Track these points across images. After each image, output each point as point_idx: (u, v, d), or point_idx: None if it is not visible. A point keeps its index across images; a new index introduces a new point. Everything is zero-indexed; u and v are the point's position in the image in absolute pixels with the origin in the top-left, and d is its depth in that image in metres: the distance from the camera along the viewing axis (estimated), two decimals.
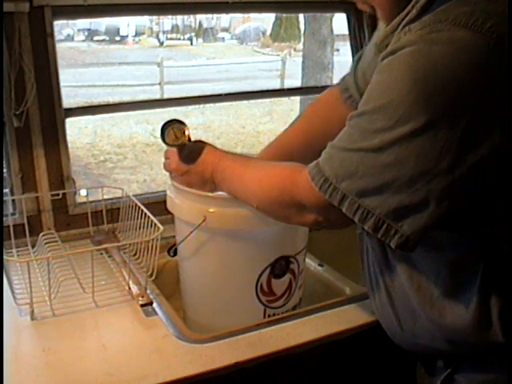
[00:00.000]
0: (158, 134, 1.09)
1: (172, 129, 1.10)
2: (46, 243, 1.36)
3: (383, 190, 0.77)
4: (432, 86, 0.73)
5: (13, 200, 1.43)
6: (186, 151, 1.10)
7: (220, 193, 1.24)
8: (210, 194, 1.21)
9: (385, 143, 0.76)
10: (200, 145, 1.10)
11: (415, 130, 0.74)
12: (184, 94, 2.10)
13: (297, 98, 5.43)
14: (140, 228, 1.32)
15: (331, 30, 5.78)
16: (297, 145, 1.22)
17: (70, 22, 13.87)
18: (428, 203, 0.76)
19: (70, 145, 1.48)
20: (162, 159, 1.17)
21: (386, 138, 0.76)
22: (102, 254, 1.37)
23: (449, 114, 0.73)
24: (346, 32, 1.87)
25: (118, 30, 15.35)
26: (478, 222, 0.84)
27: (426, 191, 0.76)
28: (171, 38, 16.18)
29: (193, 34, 16.36)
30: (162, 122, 1.09)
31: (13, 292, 1.17)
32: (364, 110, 0.80)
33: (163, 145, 1.10)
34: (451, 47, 0.73)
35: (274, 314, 1.19)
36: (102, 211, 1.49)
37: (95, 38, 15.15)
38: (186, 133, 1.10)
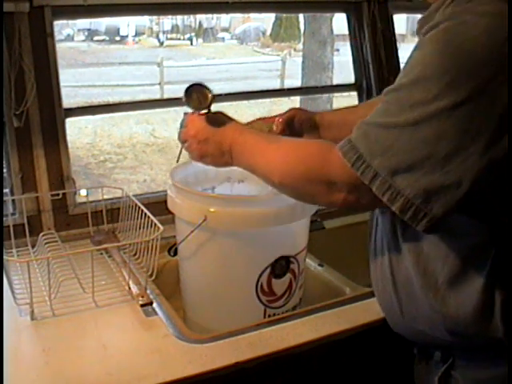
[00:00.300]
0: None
1: (196, 93, 1.07)
2: (45, 243, 1.36)
3: (416, 168, 0.76)
4: (475, 59, 0.72)
5: (13, 200, 1.43)
6: (207, 119, 1.07)
7: (221, 192, 1.24)
8: (211, 194, 1.21)
9: (423, 117, 0.74)
10: (221, 115, 1.08)
11: (455, 104, 0.72)
12: None
13: (297, 98, 5.42)
14: (140, 228, 1.32)
15: (331, 30, 5.78)
16: (354, 118, 1.21)
17: (70, 21, 13.86)
18: (460, 184, 0.74)
19: (70, 145, 1.48)
20: (176, 134, 1.12)
21: (425, 111, 0.74)
22: (101, 254, 1.37)
23: (491, 89, 0.72)
24: (346, 32, 1.87)
25: (118, 30, 15.34)
26: (498, 208, 0.82)
27: (460, 171, 0.74)
28: (171, 38, 16.16)
29: (193, 34, 16.35)
30: (187, 85, 1.07)
31: (13, 292, 1.17)
32: (402, 83, 0.78)
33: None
34: (496, 20, 0.72)
35: (274, 314, 1.19)
36: (102, 211, 1.49)
37: (95, 38, 15.14)
38: (210, 98, 1.08)
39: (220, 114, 1.09)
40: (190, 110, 1.09)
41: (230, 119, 1.07)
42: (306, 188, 0.91)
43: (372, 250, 1.02)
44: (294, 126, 1.18)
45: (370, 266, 1.03)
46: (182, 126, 1.10)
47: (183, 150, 1.11)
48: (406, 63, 0.81)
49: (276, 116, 1.19)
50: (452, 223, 0.83)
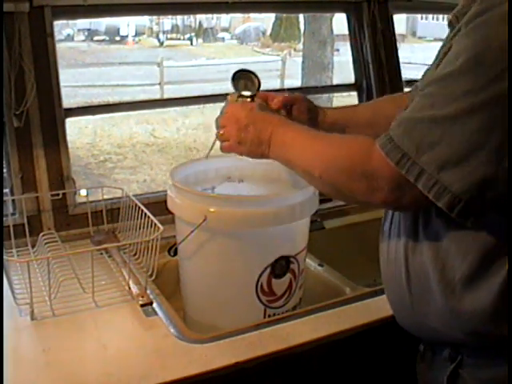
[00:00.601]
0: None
1: (243, 79, 1.07)
2: (45, 243, 1.36)
3: (467, 161, 0.73)
4: None
5: (13, 200, 1.43)
6: (250, 105, 1.06)
7: (221, 192, 1.25)
8: (211, 194, 1.21)
9: (475, 106, 0.72)
10: (264, 104, 1.07)
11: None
12: (184, 94, 2.10)
13: None
14: (140, 228, 1.32)
15: (331, 30, 5.79)
16: (356, 120, 1.20)
17: (70, 21, 13.86)
18: None
19: (70, 145, 1.48)
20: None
21: (478, 99, 0.72)
22: (101, 254, 1.37)
23: None
24: (346, 32, 1.87)
25: (118, 30, 15.33)
26: None
27: None
28: (171, 38, 16.16)
29: (193, 34, 16.34)
30: (234, 70, 1.07)
31: (13, 292, 1.17)
32: (447, 73, 0.76)
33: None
34: None
35: (274, 314, 1.19)
36: (102, 211, 1.49)
37: (95, 38, 15.13)
38: (257, 84, 1.07)
39: (263, 104, 1.07)
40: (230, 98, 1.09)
41: (273, 111, 1.05)
42: (347, 184, 0.89)
43: (385, 244, 1.00)
44: (292, 111, 1.16)
45: (380, 259, 1.02)
46: (222, 112, 1.09)
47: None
48: (452, 51, 0.77)
49: (278, 94, 1.16)
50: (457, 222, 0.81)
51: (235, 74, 1.07)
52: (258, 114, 1.04)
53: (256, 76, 1.09)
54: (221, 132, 1.08)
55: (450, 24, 0.86)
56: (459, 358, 0.91)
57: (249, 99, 1.09)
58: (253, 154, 1.04)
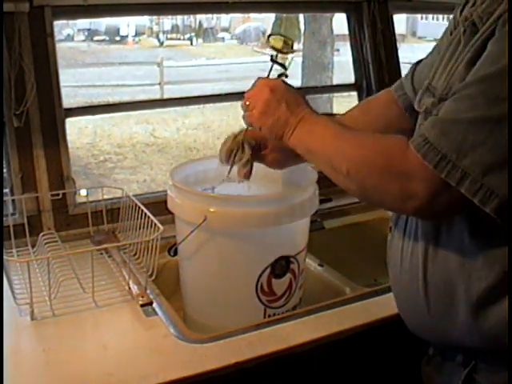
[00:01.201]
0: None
1: (279, 38, 1.06)
2: (46, 243, 1.36)
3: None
4: None
5: (13, 200, 1.43)
6: (288, 85, 1.01)
7: (221, 192, 1.24)
8: (211, 194, 1.21)
9: None
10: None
11: None
12: (184, 94, 2.10)
13: None
14: (140, 228, 1.32)
15: (331, 30, 5.78)
16: None
17: (70, 21, 13.86)
18: None
19: (70, 145, 1.48)
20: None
21: None
22: (102, 254, 1.36)
23: None
24: (346, 32, 1.87)
25: (118, 29, 15.33)
26: None
27: None
28: (171, 38, 16.16)
29: (193, 34, 16.34)
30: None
31: (13, 292, 1.17)
32: (488, 75, 0.74)
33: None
34: None
35: (274, 314, 1.19)
36: (102, 211, 1.49)
37: (95, 38, 15.13)
38: (291, 43, 1.06)
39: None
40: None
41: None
42: (378, 183, 0.83)
43: (397, 250, 0.96)
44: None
45: (390, 266, 0.99)
46: (256, 84, 1.05)
47: None
48: (488, 53, 0.76)
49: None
50: (504, 227, 0.79)
51: (269, 36, 1.07)
52: (296, 95, 0.99)
53: (289, 38, 1.07)
54: (246, 102, 1.02)
55: (471, 24, 0.83)
56: (473, 362, 0.90)
57: (287, 57, 1.07)
58: (273, 131, 0.98)
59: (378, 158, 0.83)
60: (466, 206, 0.76)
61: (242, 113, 1.06)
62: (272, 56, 1.07)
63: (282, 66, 1.09)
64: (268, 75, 1.07)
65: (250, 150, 1.10)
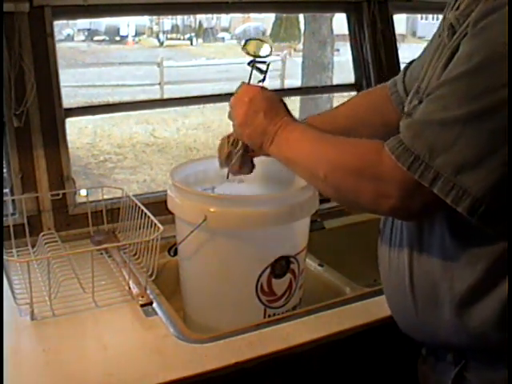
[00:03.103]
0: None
1: (254, 45, 1.09)
2: (45, 243, 1.36)
3: (485, 163, 0.71)
4: None
5: (13, 200, 1.43)
6: (267, 93, 1.03)
7: (221, 192, 1.25)
8: (211, 194, 1.21)
9: (493, 105, 0.70)
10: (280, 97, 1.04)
11: None
12: (184, 94, 2.10)
13: (297, 98, 5.43)
14: (140, 228, 1.32)
15: (331, 30, 5.78)
16: (336, 127, 1.17)
17: (70, 21, 13.86)
18: None
19: (70, 145, 1.48)
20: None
21: (495, 98, 0.70)
22: (102, 254, 1.36)
23: None
24: (346, 32, 1.87)
25: (118, 29, 15.34)
26: None
27: None
28: (171, 38, 16.17)
29: (193, 34, 16.35)
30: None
31: (13, 292, 1.17)
32: (461, 73, 0.73)
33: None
34: None
35: (274, 314, 1.19)
36: (102, 211, 1.49)
37: (95, 38, 15.14)
38: (270, 50, 1.08)
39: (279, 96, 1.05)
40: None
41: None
42: (354, 186, 0.85)
43: (385, 251, 0.98)
44: None
45: (380, 266, 1.00)
46: (239, 91, 1.06)
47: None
48: (462, 51, 0.76)
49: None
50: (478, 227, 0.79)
51: (246, 41, 1.09)
52: (274, 104, 1.00)
53: (267, 42, 1.09)
54: (229, 110, 1.05)
55: (451, 26, 0.84)
56: (463, 361, 0.91)
57: (264, 65, 1.09)
58: (253, 141, 1.00)
59: (353, 161, 0.85)
60: (441, 205, 0.76)
61: None
62: (249, 62, 1.10)
63: (260, 70, 1.10)
64: (249, 81, 1.10)
65: (243, 145, 1.10)
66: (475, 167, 0.72)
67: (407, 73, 1.13)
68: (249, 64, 1.10)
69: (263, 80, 1.10)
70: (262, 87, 1.06)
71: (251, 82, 1.10)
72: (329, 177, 0.87)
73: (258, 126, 0.98)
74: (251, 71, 1.10)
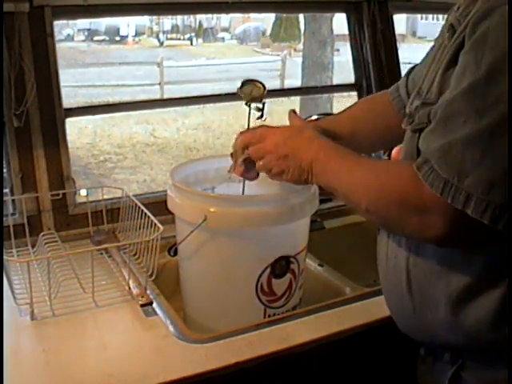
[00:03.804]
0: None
1: (249, 86, 1.11)
2: (45, 243, 1.36)
3: None
4: None
5: (13, 200, 1.43)
6: (285, 130, 1.02)
7: (221, 192, 1.24)
8: (211, 194, 1.21)
9: None
10: (300, 124, 1.05)
11: None
12: (184, 94, 2.10)
13: (297, 98, 5.43)
14: (140, 228, 1.32)
15: (331, 30, 5.79)
16: (340, 131, 1.17)
17: (70, 21, 13.86)
18: None
19: (70, 145, 1.48)
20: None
21: None
22: (102, 254, 1.37)
23: None
24: (346, 32, 1.87)
25: (118, 29, 15.34)
26: None
27: None
28: (171, 38, 16.17)
29: (193, 34, 16.35)
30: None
31: (13, 292, 1.17)
32: (472, 83, 0.71)
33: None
34: None
35: (274, 314, 1.19)
36: (102, 211, 1.49)
37: (95, 38, 15.13)
38: (262, 91, 1.11)
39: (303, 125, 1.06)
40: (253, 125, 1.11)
41: (307, 127, 1.02)
42: (398, 219, 0.82)
43: (383, 251, 0.98)
44: None
45: (378, 267, 1.01)
46: (256, 140, 1.05)
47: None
48: (465, 61, 0.74)
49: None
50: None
51: (242, 83, 1.10)
52: (297, 140, 0.98)
53: (261, 83, 1.11)
54: (260, 163, 1.03)
55: (451, 27, 0.83)
56: (460, 361, 0.91)
57: (260, 103, 1.12)
58: (297, 183, 1.00)
59: (394, 194, 0.81)
60: (486, 229, 0.73)
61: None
62: (246, 102, 1.13)
63: (257, 108, 1.14)
64: (248, 119, 1.12)
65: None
66: (505, 180, 0.70)
67: (410, 78, 1.13)
68: (246, 104, 1.13)
69: (261, 117, 1.12)
70: (265, 126, 1.06)
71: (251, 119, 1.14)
72: (371, 210, 0.85)
73: (294, 168, 0.97)
74: (249, 111, 1.12)
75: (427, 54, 1.08)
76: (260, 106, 1.14)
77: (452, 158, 0.73)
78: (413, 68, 1.14)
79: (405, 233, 0.86)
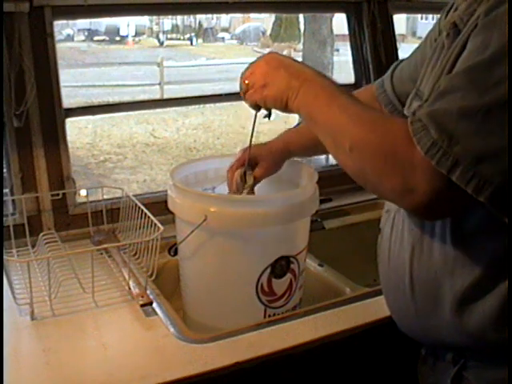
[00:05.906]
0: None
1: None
2: (46, 243, 1.36)
3: (506, 152, 0.69)
4: None
5: (13, 200, 1.43)
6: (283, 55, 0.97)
7: (221, 192, 1.24)
8: (211, 194, 1.21)
9: None
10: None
11: None
12: (184, 94, 2.10)
13: None
14: (140, 228, 1.32)
15: (331, 30, 5.78)
16: (301, 144, 1.21)
17: (70, 22, 13.86)
18: None
19: (70, 145, 1.48)
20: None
21: None
22: (102, 253, 1.36)
23: None
24: (346, 32, 1.87)
25: (118, 29, 15.33)
26: None
27: None
28: (171, 38, 16.17)
29: (193, 34, 16.35)
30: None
31: (13, 292, 1.17)
32: (477, 62, 0.71)
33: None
34: None
35: (274, 314, 1.19)
36: (102, 211, 1.49)
37: (95, 38, 15.13)
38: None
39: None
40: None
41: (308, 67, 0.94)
42: (381, 169, 0.77)
43: (385, 250, 0.98)
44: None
45: (379, 266, 1.00)
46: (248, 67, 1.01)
47: None
48: (473, 44, 0.74)
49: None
50: (488, 222, 0.78)
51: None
52: (294, 61, 0.94)
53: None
54: (246, 81, 0.97)
55: (453, 26, 0.83)
56: (462, 361, 0.91)
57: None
58: (277, 101, 0.91)
59: (385, 142, 0.77)
60: (465, 203, 0.74)
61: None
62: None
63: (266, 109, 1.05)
64: (253, 125, 1.13)
65: (252, 177, 1.18)
66: (497, 156, 0.70)
67: (395, 73, 1.13)
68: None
69: (269, 116, 1.05)
70: (277, 52, 1.00)
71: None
72: (355, 151, 0.79)
73: (282, 81, 0.90)
74: (254, 119, 1.10)
75: (414, 51, 1.07)
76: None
77: (445, 124, 0.72)
78: (398, 64, 1.14)
79: (380, 190, 0.81)
